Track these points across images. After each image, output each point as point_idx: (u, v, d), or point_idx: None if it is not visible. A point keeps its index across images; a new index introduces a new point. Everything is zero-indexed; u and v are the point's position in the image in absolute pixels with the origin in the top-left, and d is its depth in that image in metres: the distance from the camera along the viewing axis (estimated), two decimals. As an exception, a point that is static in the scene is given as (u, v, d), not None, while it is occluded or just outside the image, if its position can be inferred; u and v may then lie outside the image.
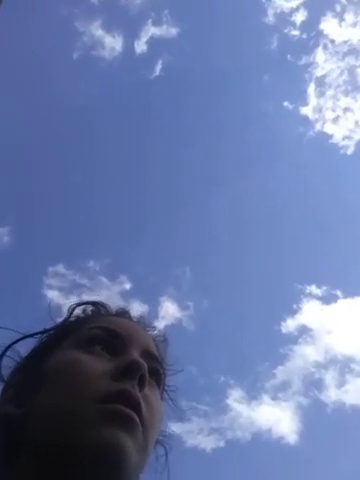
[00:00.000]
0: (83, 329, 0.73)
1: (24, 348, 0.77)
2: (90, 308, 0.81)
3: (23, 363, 0.75)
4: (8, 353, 0.76)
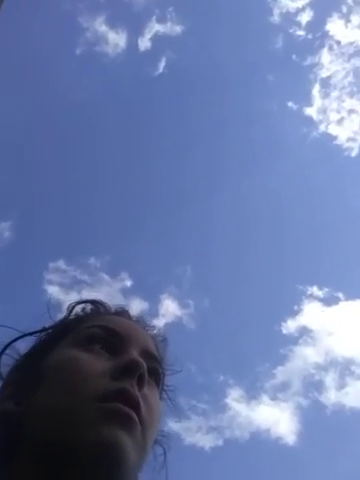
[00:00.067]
0: (82, 328, 0.73)
1: (23, 345, 0.77)
2: (89, 306, 0.81)
3: (22, 361, 0.75)
4: (7, 351, 0.76)
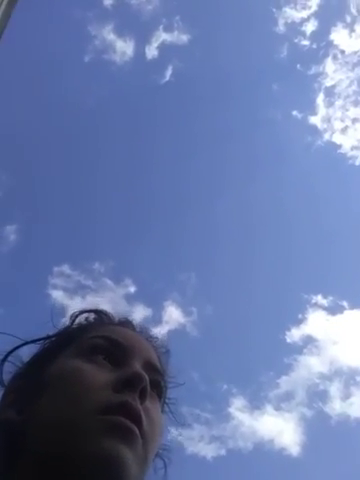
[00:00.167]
0: (85, 337, 0.73)
1: (26, 352, 0.77)
2: (93, 316, 0.81)
3: (25, 369, 0.75)
4: (9, 358, 0.76)
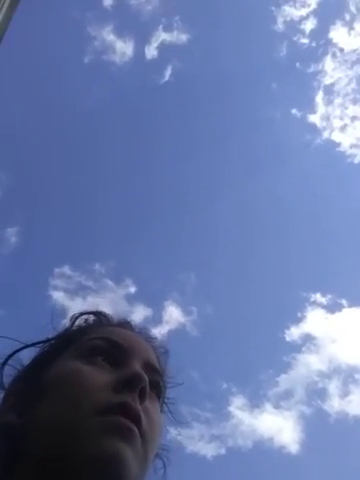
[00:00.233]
0: (85, 339, 0.73)
1: (26, 355, 0.77)
2: (92, 318, 0.81)
3: (24, 372, 0.75)
4: (10, 361, 0.76)
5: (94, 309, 0.82)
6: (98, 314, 0.81)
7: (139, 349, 0.73)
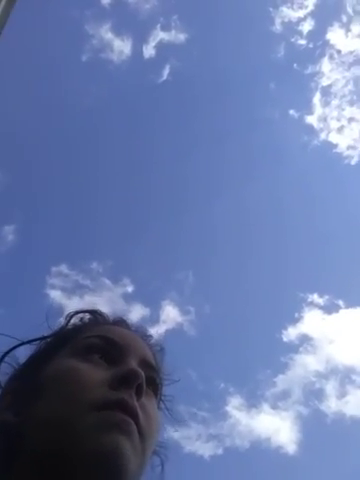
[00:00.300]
0: (81, 337, 0.74)
1: (22, 353, 0.77)
2: (88, 316, 0.81)
3: (21, 370, 0.75)
4: (6, 359, 0.76)
5: (90, 307, 0.82)
6: (94, 312, 0.81)
7: (135, 346, 0.73)
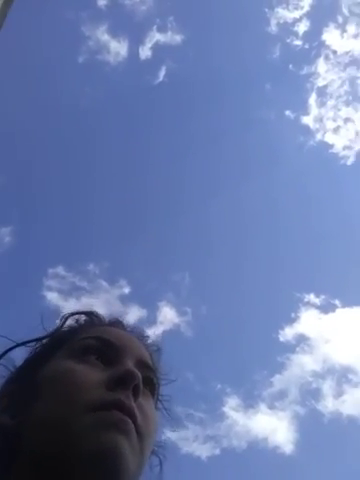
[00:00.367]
0: (77, 339, 0.74)
1: (19, 355, 0.77)
2: (83, 318, 0.81)
3: (17, 373, 0.75)
4: (1, 361, 0.76)
5: (85, 309, 0.82)
6: (89, 314, 0.81)
7: (131, 347, 0.73)
